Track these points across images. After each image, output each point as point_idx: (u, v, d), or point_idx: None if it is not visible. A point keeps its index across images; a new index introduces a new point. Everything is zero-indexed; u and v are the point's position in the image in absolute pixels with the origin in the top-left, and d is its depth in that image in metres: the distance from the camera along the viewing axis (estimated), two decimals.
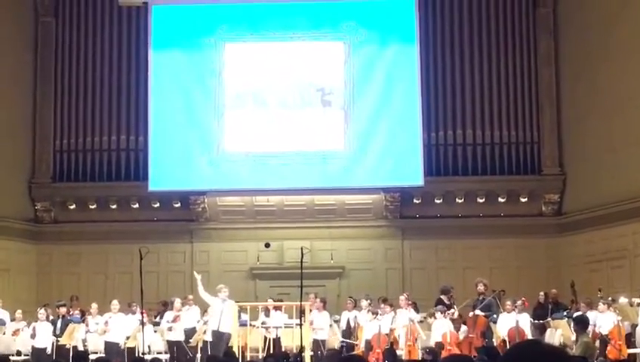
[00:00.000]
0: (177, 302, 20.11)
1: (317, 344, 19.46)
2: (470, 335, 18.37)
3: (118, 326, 19.66)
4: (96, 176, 24.62)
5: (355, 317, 19.94)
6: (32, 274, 24.46)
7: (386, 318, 18.95)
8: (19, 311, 20.47)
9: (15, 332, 19.81)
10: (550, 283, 22.88)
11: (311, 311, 19.68)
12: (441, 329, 18.58)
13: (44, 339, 19.52)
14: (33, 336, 19.47)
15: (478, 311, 18.74)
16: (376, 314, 19.07)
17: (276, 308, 20.17)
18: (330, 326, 19.92)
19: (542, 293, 21.10)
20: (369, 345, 18.61)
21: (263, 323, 19.75)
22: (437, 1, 24.97)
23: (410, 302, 19.81)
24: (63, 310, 20.39)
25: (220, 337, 18.28)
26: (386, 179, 23.81)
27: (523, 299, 19.37)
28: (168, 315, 19.92)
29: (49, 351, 19.48)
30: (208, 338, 18.67)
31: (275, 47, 24.24)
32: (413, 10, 24.05)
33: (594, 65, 23.23)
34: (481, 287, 19.54)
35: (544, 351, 2.97)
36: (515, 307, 18.67)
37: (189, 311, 19.95)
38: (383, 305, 19.50)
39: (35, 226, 24.79)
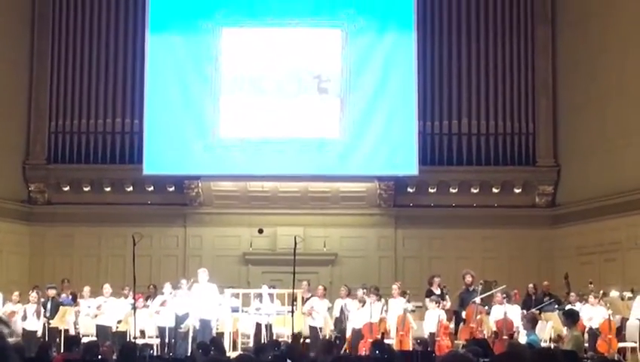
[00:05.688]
0: (167, 287, 20.04)
1: (313, 330, 19.47)
2: (471, 325, 18.32)
3: (110, 309, 19.70)
4: (90, 159, 24.56)
5: (345, 304, 19.94)
6: (25, 256, 24.42)
7: (376, 307, 18.92)
8: (16, 293, 20.27)
9: (11, 315, 19.71)
10: (542, 274, 22.95)
11: (303, 298, 19.74)
12: (434, 319, 18.61)
13: (35, 322, 19.48)
14: (24, 318, 19.44)
15: (478, 300, 18.79)
16: (364, 302, 19.06)
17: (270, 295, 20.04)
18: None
19: (531, 285, 21.23)
20: (359, 334, 18.62)
21: (257, 309, 19.67)
22: None
23: (400, 291, 19.81)
24: (52, 292, 20.30)
25: (205, 324, 18.41)
26: (381, 167, 23.84)
27: (515, 291, 19.47)
28: (157, 300, 19.91)
29: (40, 333, 19.45)
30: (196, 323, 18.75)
31: (273, 33, 24.18)
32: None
33: (591, 57, 23.19)
34: (468, 278, 19.65)
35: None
36: (505, 298, 18.72)
37: (176, 297, 19.79)
38: (370, 294, 19.44)
39: (29, 207, 24.72)
